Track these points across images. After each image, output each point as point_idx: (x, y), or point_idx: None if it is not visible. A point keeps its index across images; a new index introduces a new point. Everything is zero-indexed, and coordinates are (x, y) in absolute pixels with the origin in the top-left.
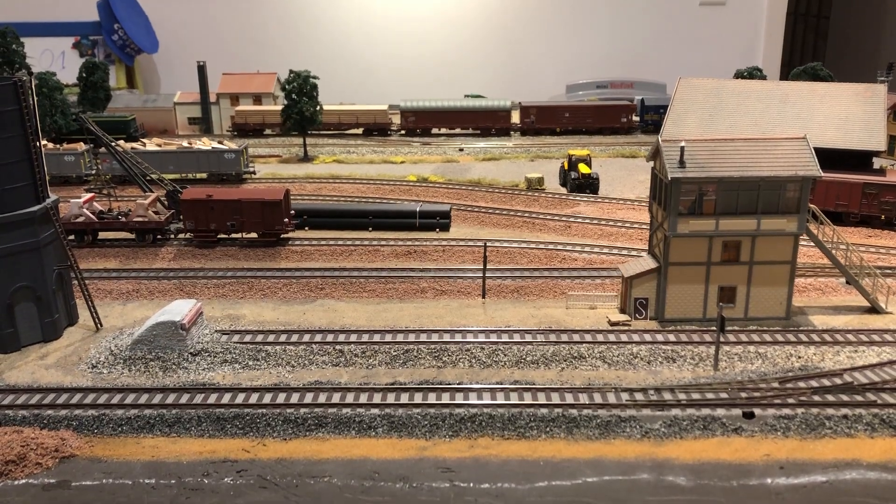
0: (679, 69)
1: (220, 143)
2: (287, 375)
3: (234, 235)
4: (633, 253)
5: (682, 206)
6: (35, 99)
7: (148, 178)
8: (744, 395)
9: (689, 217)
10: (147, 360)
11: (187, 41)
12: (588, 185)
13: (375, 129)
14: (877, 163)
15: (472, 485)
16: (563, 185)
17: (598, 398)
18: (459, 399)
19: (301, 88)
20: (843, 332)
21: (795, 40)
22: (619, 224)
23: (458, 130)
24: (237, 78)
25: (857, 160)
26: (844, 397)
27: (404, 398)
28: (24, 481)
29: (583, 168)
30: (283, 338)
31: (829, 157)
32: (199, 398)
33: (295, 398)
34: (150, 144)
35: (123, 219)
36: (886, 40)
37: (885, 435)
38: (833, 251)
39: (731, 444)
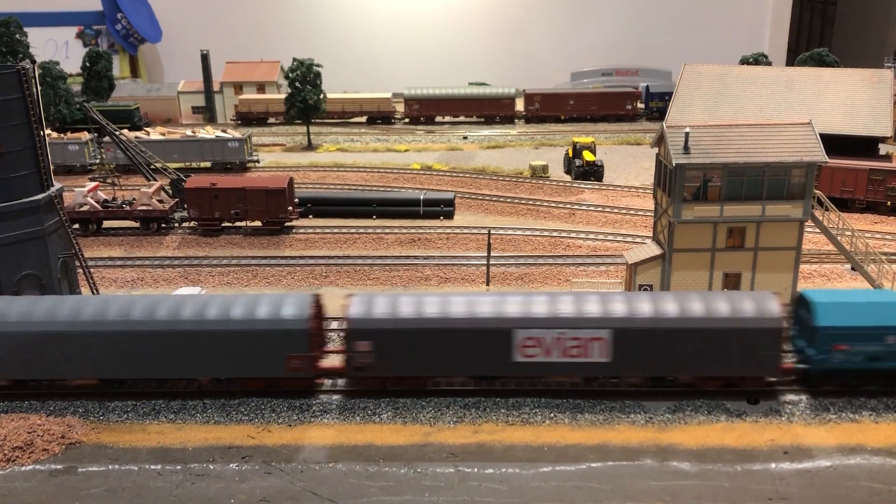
0: (684, 56)
1: (223, 131)
2: None
3: (238, 223)
4: (638, 240)
5: (687, 193)
6: (39, 88)
7: (152, 166)
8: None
9: (693, 203)
10: None
11: (190, 30)
12: (592, 173)
13: (379, 117)
14: (883, 149)
15: (476, 470)
16: (568, 172)
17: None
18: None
19: (304, 77)
20: None
21: (802, 26)
22: (624, 211)
23: (462, 118)
24: (241, 66)
25: (863, 146)
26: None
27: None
28: (31, 467)
29: (587, 155)
30: None
31: (835, 144)
32: None
33: None
34: (154, 133)
35: (128, 207)
36: (893, 26)
37: (889, 420)
38: (838, 237)
39: (735, 429)
